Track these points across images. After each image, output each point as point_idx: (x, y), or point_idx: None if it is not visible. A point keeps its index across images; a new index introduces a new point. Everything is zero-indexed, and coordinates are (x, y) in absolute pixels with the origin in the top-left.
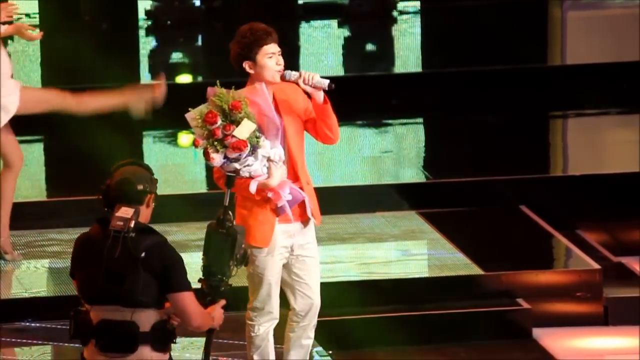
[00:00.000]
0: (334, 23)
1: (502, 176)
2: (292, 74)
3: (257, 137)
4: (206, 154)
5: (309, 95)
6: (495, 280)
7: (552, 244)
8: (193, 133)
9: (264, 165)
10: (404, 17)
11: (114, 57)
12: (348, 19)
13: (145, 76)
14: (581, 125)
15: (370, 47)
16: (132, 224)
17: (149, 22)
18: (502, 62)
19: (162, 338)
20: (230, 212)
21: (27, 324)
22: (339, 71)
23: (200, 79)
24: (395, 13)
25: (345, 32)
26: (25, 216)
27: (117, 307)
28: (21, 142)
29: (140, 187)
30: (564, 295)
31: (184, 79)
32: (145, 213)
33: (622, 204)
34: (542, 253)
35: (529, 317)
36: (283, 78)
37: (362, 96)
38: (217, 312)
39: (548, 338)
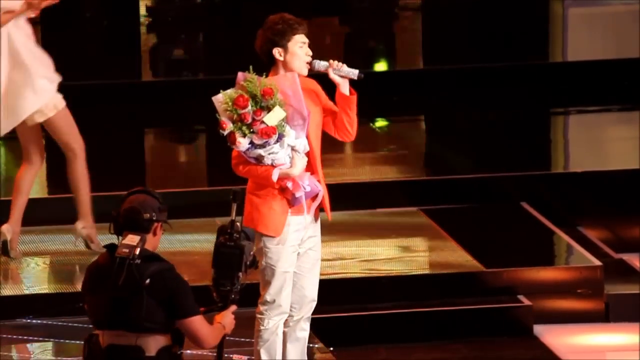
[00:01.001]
0: (335, 20)
1: (503, 173)
2: (321, 64)
3: (283, 126)
4: (232, 138)
5: (331, 91)
6: (496, 276)
7: (553, 240)
8: (218, 116)
9: (287, 155)
10: (405, 13)
11: (115, 54)
12: (349, 16)
13: (146, 73)
14: (582, 122)
15: (371, 43)
16: (137, 252)
17: (150, 19)
18: (504, 59)
19: None
20: (237, 224)
21: (28, 320)
22: None
23: (201, 75)
24: (396, 9)
25: (347, 29)
26: (26, 213)
27: (124, 332)
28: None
29: (147, 215)
30: (565, 292)
31: (185, 75)
32: (152, 241)
33: (623, 200)
34: (543, 250)
35: (530, 314)
36: (312, 68)
37: (363, 93)
38: (227, 319)
39: (549, 335)
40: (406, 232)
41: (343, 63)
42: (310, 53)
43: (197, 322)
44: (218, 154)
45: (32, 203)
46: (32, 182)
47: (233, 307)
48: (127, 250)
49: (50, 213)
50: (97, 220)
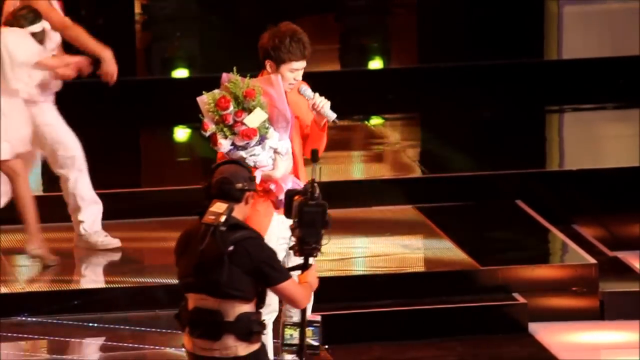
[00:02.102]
0: (330, 17)
1: (498, 171)
2: (307, 93)
3: (266, 128)
4: (213, 139)
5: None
6: (491, 274)
7: (548, 238)
8: (202, 117)
9: (269, 157)
10: (400, 11)
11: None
12: (344, 13)
13: (141, 71)
14: (577, 119)
15: (366, 41)
16: (223, 219)
17: (145, 17)
18: (499, 57)
19: (247, 329)
20: (316, 184)
21: (24, 318)
22: (335, 66)
23: (196, 73)
24: (391, 7)
25: (342, 27)
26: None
27: (207, 296)
28: None
29: (239, 185)
30: (560, 290)
31: (180, 73)
32: (243, 210)
33: (618, 198)
34: (538, 248)
35: (525, 312)
36: (298, 91)
37: (358, 91)
38: (312, 277)
39: (544, 332)
40: (401, 230)
41: (327, 101)
42: (299, 79)
43: (290, 286)
44: (213, 152)
45: None
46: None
47: (314, 266)
48: (213, 217)
49: (46, 211)
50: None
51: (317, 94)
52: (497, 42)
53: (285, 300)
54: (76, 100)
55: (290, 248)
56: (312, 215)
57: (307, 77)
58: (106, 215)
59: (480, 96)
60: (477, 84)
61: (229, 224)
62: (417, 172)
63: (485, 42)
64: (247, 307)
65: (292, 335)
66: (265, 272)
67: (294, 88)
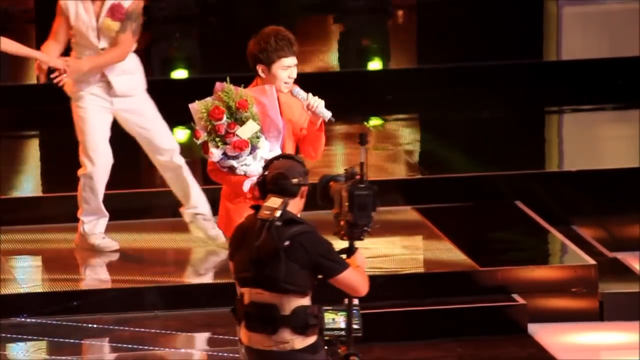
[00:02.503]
0: (329, 18)
1: (497, 172)
2: (301, 94)
3: (257, 138)
4: (205, 148)
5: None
6: (490, 275)
7: (547, 239)
8: (194, 124)
9: (261, 166)
10: (400, 12)
11: None
12: (344, 14)
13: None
14: (577, 120)
15: (365, 42)
16: (278, 214)
17: (145, 17)
18: (498, 58)
19: (303, 322)
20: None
21: (23, 319)
22: (335, 66)
23: (196, 74)
24: (390, 8)
25: (341, 28)
26: (20, 211)
27: (263, 291)
28: (17, 137)
29: (295, 180)
30: (560, 291)
31: (180, 74)
32: (298, 204)
33: (618, 199)
34: (538, 249)
35: (525, 313)
36: (291, 92)
37: (357, 91)
38: (361, 260)
39: (543, 333)
40: (400, 231)
41: (321, 101)
42: (294, 76)
43: (350, 274)
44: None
45: (27, 202)
46: None
47: (359, 249)
48: (268, 213)
49: (45, 212)
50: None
51: (310, 94)
52: (496, 42)
53: (345, 289)
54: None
55: (335, 233)
56: (364, 198)
57: (307, 78)
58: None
59: (479, 97)
60: (476, 85)
61: (285, 218)
62: (417, 173)
63: (485, 42)
64: (303, 301)
65: (333, 319)
66: (324, 265)
67: (289, 88)
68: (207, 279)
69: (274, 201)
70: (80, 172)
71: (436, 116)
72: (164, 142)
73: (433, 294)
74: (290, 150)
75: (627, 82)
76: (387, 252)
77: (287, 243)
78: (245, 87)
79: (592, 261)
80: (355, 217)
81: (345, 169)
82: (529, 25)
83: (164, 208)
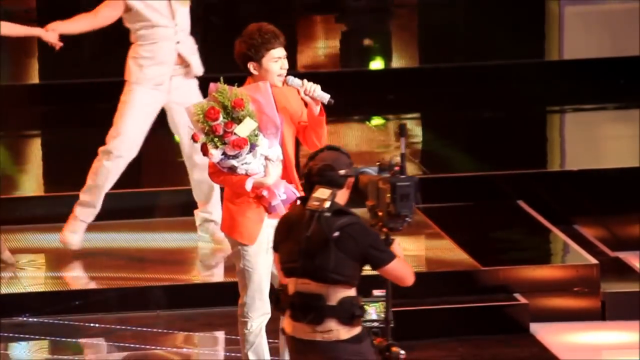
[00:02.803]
0: (331, 18)
1: (499, 171)
2: (295, 82)
3: (255, 135)
4: (204, 149)
5: (305, 102)
6: (492, 275)
7: (549, 239)
8: (191, 127)
9: (261, 164)
10: (402, 11)
11: (114, 51)
12: (345, 14)
13: None
14: (578, 120)
15: (367, 41)
16: (327, 205)
17: None
18: (500, 57)
19: (349, 313)
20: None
21: (25, 319)
22: (336, 66)
23: None
24: (392, 8)
25: (343, 27)
26: (22, 211)
27: (309, 281)
28: (17, 137)
29: (342, 172)
30: (562, 290)
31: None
32: (344, 195)
33: (620, 199)
34: (540, 248)
35: (527, 312)
36: (285, 83)
37: (359, 91)
38: (399, 251)
39: (545, 333)
40: (402, 230)
41: (317, 85)
42: (286, 67)
43: (397, 264)
44: None
45: (28, 201)
46: None
47: (397, 239)
48: (317, 204)
49: (47, 211)
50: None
51: (305, 80)
52: (498, 42)
53: (393, 279)
54: (77, 100)
55: (372, 225)
56: (406, 188)
57: (308, 78)
58: (107, 216)
59: (481, 97)
60: (478, 85)
61: (333, 209)
62: (419, 173)
63: (487, 42)
64: (350, 292)
65: (367, 311)
66: (372, 255)
67: (283, 80)
68: (209, 278)
69: (322, 192)
70: (101, 148)
71: (438, 116)
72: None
73: (434, 294)
74: (290, 143)
75: (629, 81)
76: None
77: (336, 234)
78: (238, 86)
79: (594, 261)
80: (398, 208)
81: (378, 162)
82: (531, 25)
83: (166, 208)
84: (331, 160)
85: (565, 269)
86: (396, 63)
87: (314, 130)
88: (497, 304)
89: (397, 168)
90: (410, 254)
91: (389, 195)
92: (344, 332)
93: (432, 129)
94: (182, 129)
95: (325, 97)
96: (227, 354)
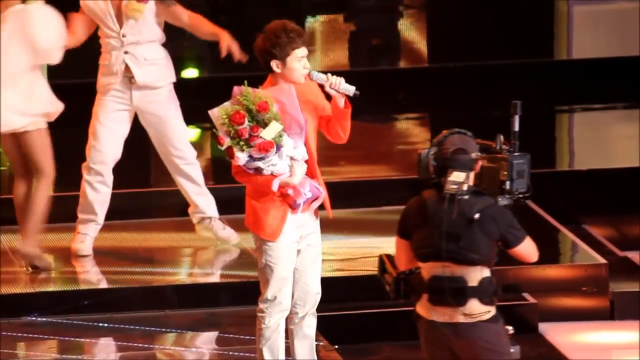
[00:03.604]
0: (339, 17)
1: None
2: (320, 76)
3: (280, 137)
4: (230, 153)
5: (327, 95)
6: (501, 274)
7: (558, 238)
8: (215, 131)
9: (287, 164)
10: (410, 11)
11: None
12: (354, 14)
13: None
14: (587, 119)
15: (376, 41)
16: (465, 187)
17: None
18: (508, 57)
19: (489, 292)
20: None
21: (33, 318)
22: (345, 65)
23: (206, 73)
24: (401, 7)
25: (351, 27)
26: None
27: (449, 264)
28: None
29: (473, 155)
30: (570, 290)
31: (190, 73)
32: (473, 177)
33: (628, 198)
34: (548, 248)
35: (535, 312)
36: (309, 77)
37: (368, 91)
38: None
39: (554, 333)
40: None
41: (341, 78)
42: (308, 66)
43: (527, 242)
44: (222, 153)
45: None
46: (46, 196)
47: None
48: (455, 187)
49: (55, 211)
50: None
51: (329, 74)
52: (506, 41)
53: (522, 258)
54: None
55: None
56: (521, 165)
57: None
58: (114, 215)
59: (489, 96)
60: (486, 84)
61: (471, 191)
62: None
63: (495, 42)
64: (488, 272)
65: None
66: (511, 235)
67: (306, 77)
68: (217, 278)
69: (457, 175)
70: (82, 164)
71: (447, 115)
72: (180, 145)
73: None
74: (312, 139)
75: (638, 80)
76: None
77: (477, 215)
78: (259, 86)
79: (602, 260)
80: (514, 185)
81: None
82: (540, 24)
83: (173, 207)
84: (462, 144)
85: (574, 268)
86: (405, 63)
87: (339, 123)
88: (506, 304)
89: (504, 146)
90: None
91: (505, 172)
92: (485, 313)
93: (441, 128)
94: (151, 134)
95: (351, 89)
96: (236, 353)
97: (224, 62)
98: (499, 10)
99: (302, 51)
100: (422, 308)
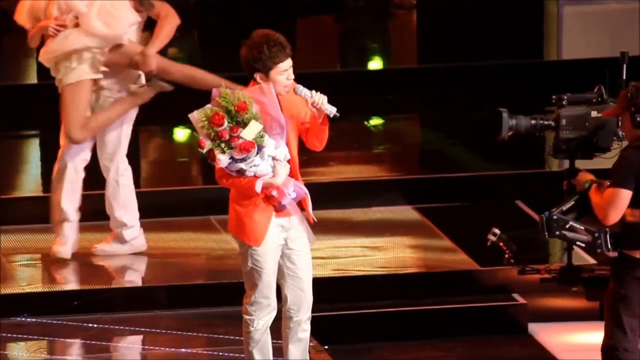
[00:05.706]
0: (330, 18)
1: (498, 171)
2: (305, 92)
3: (261, 137)
4: (211, 155)
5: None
6: (491, 275)
7: (547, 238)
8: (196, 134)
9: (269, 165)
10: (400, 12)
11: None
12: (344, 14)
13: None
14: None
15: (366, 42)
16: None
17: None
18: (498, 57)
19: None
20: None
21: (23, 319)
22: (335, 66)
23: None
24: (391, 8)
25: (341, 27)
26: (22, 211)
27: None
28: (17, 137)
29: None
30: (560, 291)
31: None
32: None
33: None
34: (539, 248)
35: (525, 312)
36: (295, 92)
37: (357, 91)
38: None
39: (544, 333)
40: (401, 231)
41: (324, 96)
42: (292, 77)
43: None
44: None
45: (29, 201)
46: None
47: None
48: None
49: (46, 211)
50: (91, 218)
51: (314, 92)
52: (496, 42)
53: None
54: None
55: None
56: (604, 121)
57: (307, 78)
58: (106, 216)
59: (479, 97)
60: (476, 85)
61: None
62: (417, 173)
63: (485, 42)
64: None
65: None
66: None
67: (289, 89)
68: (209, 279)
69: None
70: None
71: (436, 116)
72: (115, 152)
73: (433, 294)
74: (293, 142)
75: (628, 81)
76: (388, 251)
77: None
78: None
79: (593, 261)
80: (599, 139)
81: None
82: (530, 25)
83: (161, 208)
84: None
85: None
86: (395, 63)
87: (315, 136)
88: (495, 304)
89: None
90: (409, 254)
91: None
92: None
93: (430, 129)
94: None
95: (332, 110)
96: (227, 354)
97: (215, 62)
98: (489, 11)
99: (285, 64)
100: None
